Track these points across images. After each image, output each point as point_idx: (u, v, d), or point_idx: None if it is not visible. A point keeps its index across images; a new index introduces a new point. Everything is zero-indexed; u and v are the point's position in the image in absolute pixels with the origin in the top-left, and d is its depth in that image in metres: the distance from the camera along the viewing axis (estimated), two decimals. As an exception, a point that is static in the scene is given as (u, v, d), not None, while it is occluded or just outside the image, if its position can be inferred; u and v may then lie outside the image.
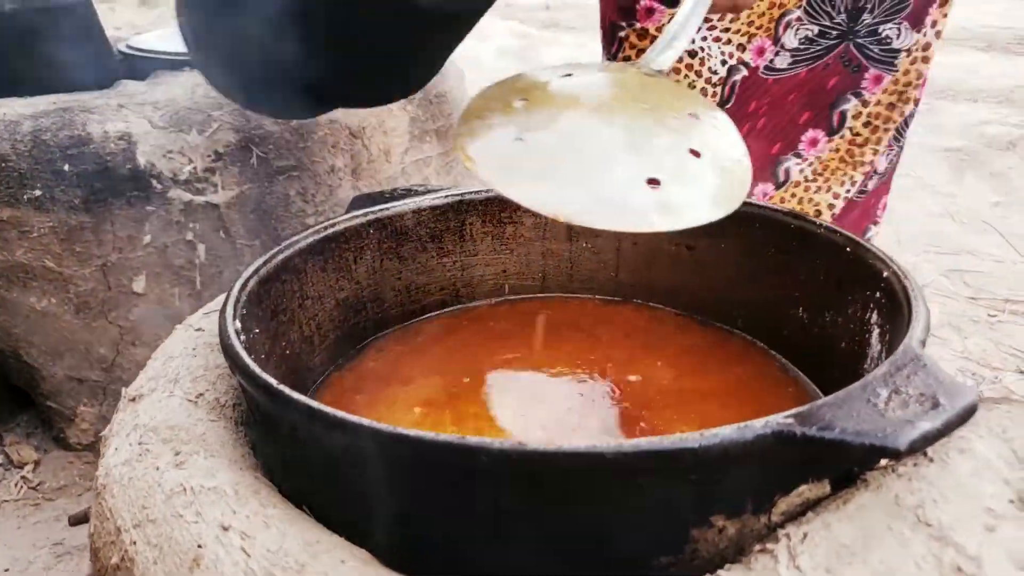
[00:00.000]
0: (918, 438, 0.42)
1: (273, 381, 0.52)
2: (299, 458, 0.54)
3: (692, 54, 1.11)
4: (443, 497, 0.48)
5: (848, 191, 1.23)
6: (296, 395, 0.50)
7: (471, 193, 0.88)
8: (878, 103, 1.17)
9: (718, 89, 1.12)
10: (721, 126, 0.64)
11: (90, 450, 1.33)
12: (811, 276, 0.75)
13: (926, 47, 1.13)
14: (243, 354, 0.55)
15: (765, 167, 1.18)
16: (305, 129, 1.28)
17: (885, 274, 0.65)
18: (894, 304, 0.62)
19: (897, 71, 1.13)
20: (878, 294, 0.66)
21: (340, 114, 1.31)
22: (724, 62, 1.11)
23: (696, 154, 0.58)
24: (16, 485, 1.31)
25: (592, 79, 0.64)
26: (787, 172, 1.19)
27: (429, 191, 0.89)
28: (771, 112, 1.15)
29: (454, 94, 1.52)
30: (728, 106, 1.13)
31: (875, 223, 1.32)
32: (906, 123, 1.21)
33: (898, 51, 1.11)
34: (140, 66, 1.41)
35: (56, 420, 1.33)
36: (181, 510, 0.52)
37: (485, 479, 0.46)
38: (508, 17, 5.52)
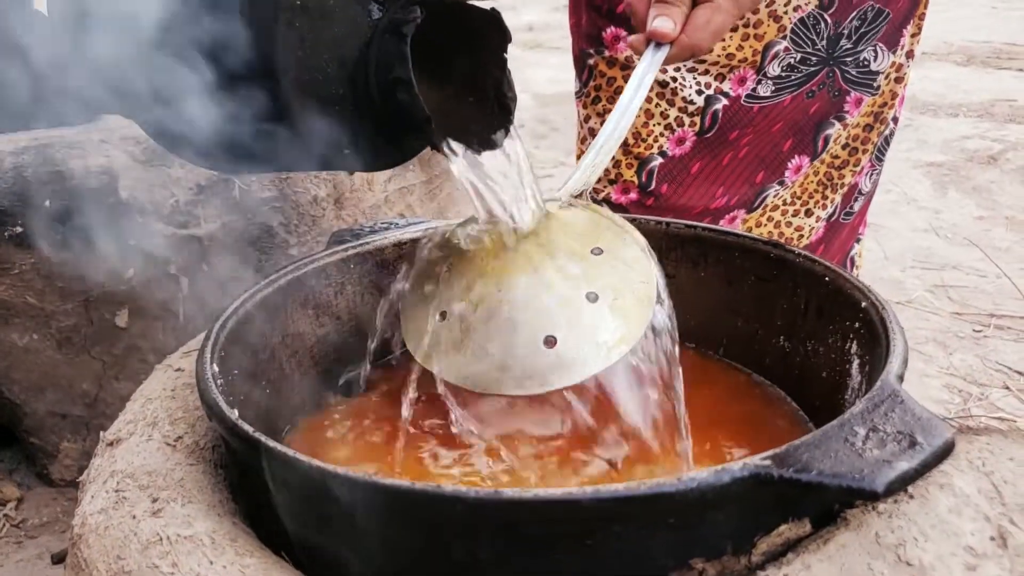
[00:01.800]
0: (895, 479, 0.42)
1: (248, 428, 0.51)
2: (276, 505, 0.54)
3: (663, 84, 1.10)
4: (420, 544, 0.48)
5: (831, 214, 1.23)
6: (272, 443, 0.49)
7: (452, 224, 0.88)
8: (856, 125, 1.17)
9: (696, 119, 1.12)
10: (625, 252, 0.66)
11: (73, 486, 1.31)
12: (791, 305, 0.75)
13: (899, 68, 1.14)
14: (219, 400, 0.55)
15: (746, 196, 1.18)
16: (287, 160, 1.28)
17: (863, 304, 0.65)
18: (873, 335, 0.62)
19: (873, 91, 1.14)
20: (857, 324, 0.66)
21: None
22: (700, 92, 1.11)
23: (594, 298, 0.62)
24: (-1, 523, 1.29)
25: (506, 231, 0.68)
26: (763, 198, 1.19)
27: (410, 223, 0.88)
28: (755, 141, 1.15)
29: (437, 121, 1.53)
30: (708, 135, 1.13)
31: (858, 240, 1.32)
32: (886, 142, 1.22)
33: (876, 73, 1.12)
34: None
35: (39, 456, 1.32)
36: (157, 561, 0.52)
37: (462, 527, 0.46)
38: (493, 38, 5.53)
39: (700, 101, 1.11)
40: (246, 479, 0.58)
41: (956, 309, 1.98)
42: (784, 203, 1.20)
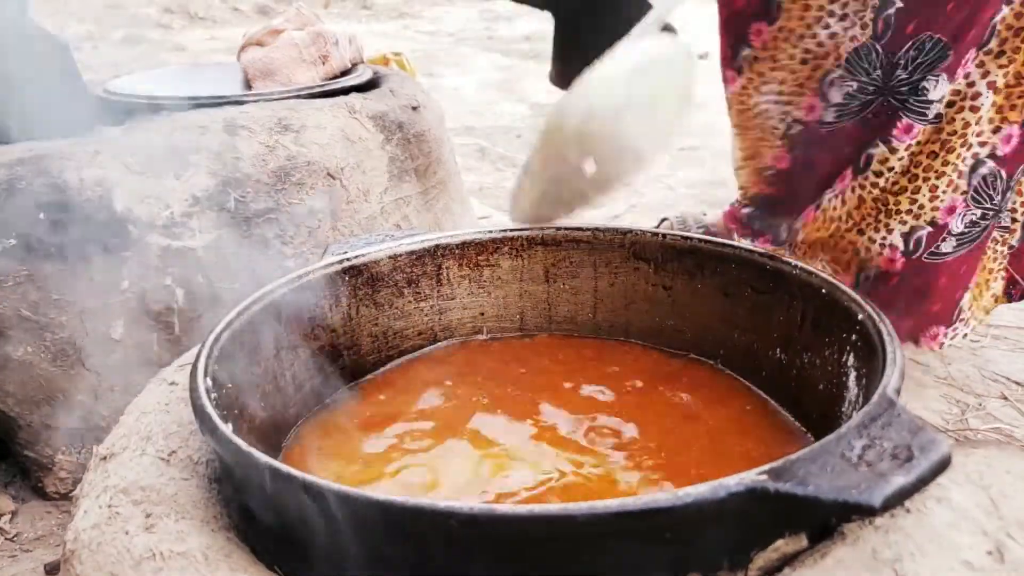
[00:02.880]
0: (892, 495, 0.42)
1: (242, 443, 0.51)
2: (269, 520, 0.53)
3: (758, 114, 1.20)
4: (414, 560, 0.47)
5: (906, 250, 1.17)
6: (264, 458, 0.49)
7: (447, 237, 0.88)
8: (919, 152, 1.13)
9: (783, 142, 1.21)
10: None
11: (69, 499, 1.31)
12: (788, 317, 0.75)
13: (975, 97, 1.09)
14: (213, 415, 0.55)
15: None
16: (282, 171, 1.27)
17: (860, 317, 0.65)
18: (870, 348, 0.62)
19: (927, 120, 1.11)
20: (854, 337, 0.65)
21: (317, 155, 1.31)
22: (782, 119, 1.17)
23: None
24: (-7, 536, 1.28)
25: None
26: (819, 201, 1.22)
27: (406, 236, 0.88)
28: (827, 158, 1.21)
29: (433, 133, 1.53)
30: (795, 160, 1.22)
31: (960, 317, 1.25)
32: (985, 182, 1.15)
33: (931, 102, 1.09)
34: (117, 110, 1.40)
35: (34, 469, 1.31)
36: (150, 577, 0.51)
37: (457, 543, 0.45)
38: (489, 49, 5.56)
39: (782, 128, 1.19)
40: (239, 494, 0.57)
41: (953, 319, 1.97)
42: (840, 218, 1.20)
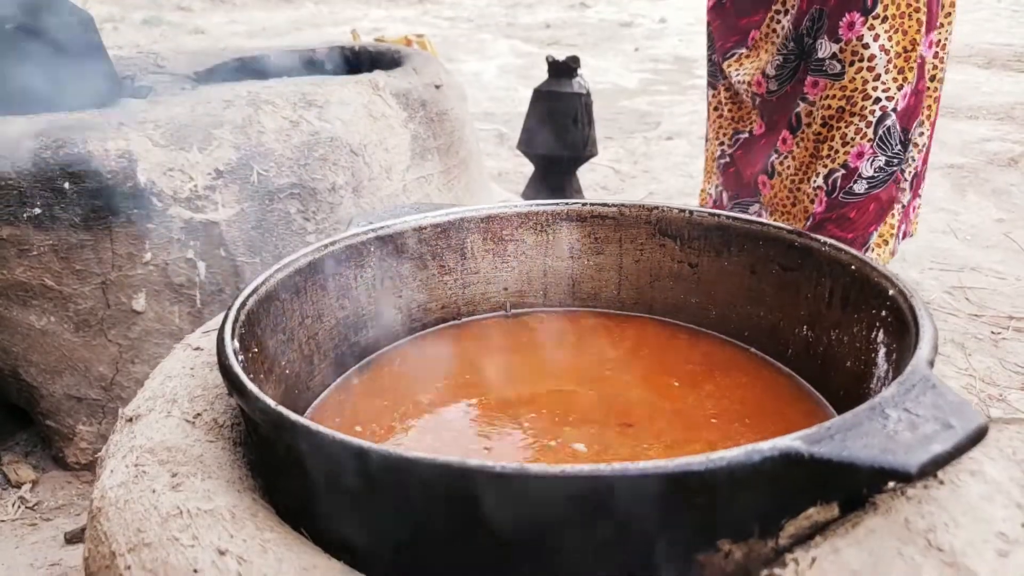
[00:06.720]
0: (929, 461, 0.42)
1: (271, 402, 0.51)
2: (296, 480, 0.53)
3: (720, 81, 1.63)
4: (442, 519, 0.47)
5: (828, 190, 1.44)
6: (294, 416, 0.49)
7: (472, 211, 0.88)
8: (828, 107, 1.39)
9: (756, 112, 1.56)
10: None
11: (88, 469, 1.32)
12: (815, 294, 0.74)
13: (870, 59, 1.34)
14: (241, 375, 0.55)
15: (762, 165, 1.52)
16: (306, 146, 1.27)
17: (891, 292, 0.64)
18: (901, 323, 0.61)
19: (825, 75, 1.39)
20: (884, 313, 0.65)
21: (341, 131, 1.31)
22: (746, 93, 1.59)
23: None
24: (14, 505, 1.29)
25: None
26: (772, 165, 1.53)
27: (431, 209, 0.88)
28: (768, 132, 1.53)
29: (456, 112, 1.52)
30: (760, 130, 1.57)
31: (870, 246, 1.49)
32: (889, 132, 1.38)
33: (822, 60, 1.37)
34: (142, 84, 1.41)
35: (55, 439, 1.32)
36: (177, 533, 0.51)
37: (486, 500, 0.45)
38: (510, 36, 5.54)
39: (747, 97, 1.54)
40: (266, 455, 0.57)
41: (974, 311, 1.96)
42: (790, 171, 1.49)
